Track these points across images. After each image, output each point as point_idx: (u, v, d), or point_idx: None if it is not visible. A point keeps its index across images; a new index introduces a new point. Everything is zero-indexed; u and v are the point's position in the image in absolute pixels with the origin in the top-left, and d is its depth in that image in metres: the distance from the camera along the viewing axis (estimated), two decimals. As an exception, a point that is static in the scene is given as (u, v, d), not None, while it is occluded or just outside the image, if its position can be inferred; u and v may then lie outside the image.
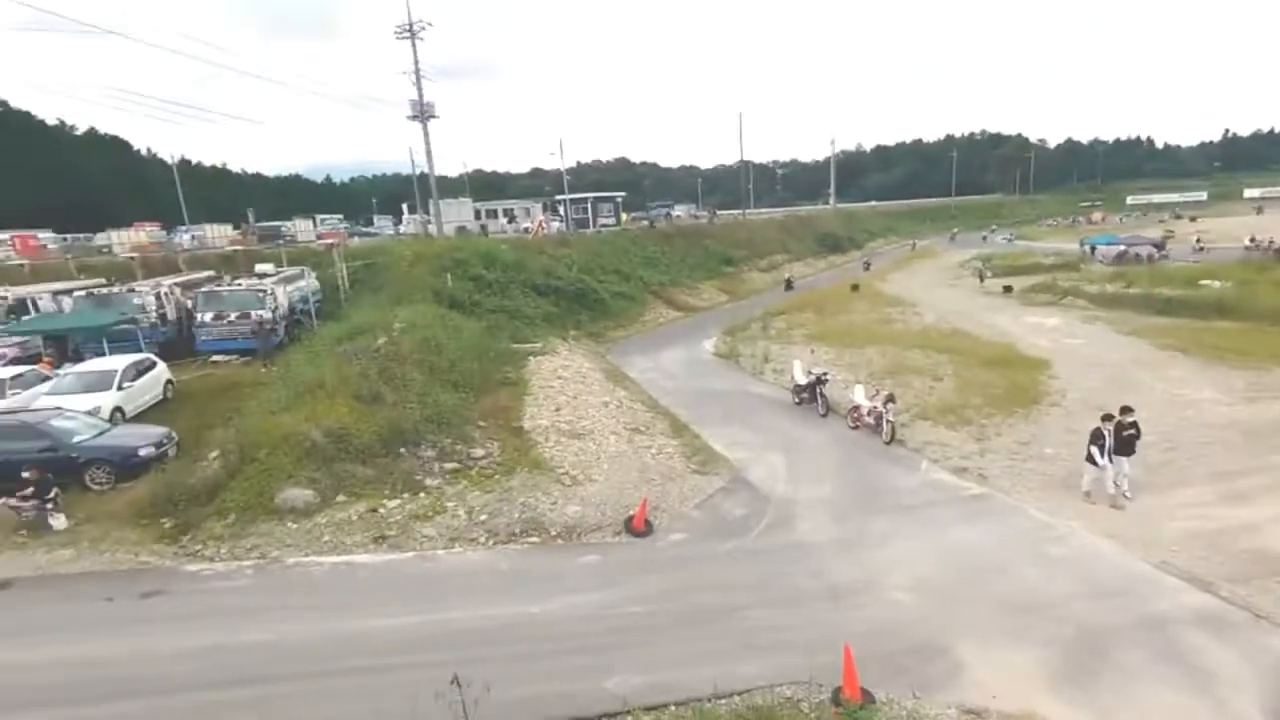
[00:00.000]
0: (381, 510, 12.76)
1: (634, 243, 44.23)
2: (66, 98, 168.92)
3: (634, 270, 39.62)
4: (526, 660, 8.46)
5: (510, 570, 11.12)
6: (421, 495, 13.44)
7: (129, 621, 9.62)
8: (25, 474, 12.16)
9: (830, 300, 37.26)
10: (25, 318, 22.47)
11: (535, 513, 12.74)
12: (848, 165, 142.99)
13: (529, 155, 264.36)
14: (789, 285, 45.89)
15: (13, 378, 17.33)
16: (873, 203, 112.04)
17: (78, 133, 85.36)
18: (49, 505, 12.18)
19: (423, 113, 39.36)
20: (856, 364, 23.04)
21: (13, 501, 12.06)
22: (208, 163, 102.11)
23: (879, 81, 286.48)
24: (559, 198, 57.76)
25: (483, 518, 12.66)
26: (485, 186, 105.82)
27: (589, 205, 50.81)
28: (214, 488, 12.86)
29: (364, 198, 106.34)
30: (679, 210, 74.78)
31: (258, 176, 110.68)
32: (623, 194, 59.01)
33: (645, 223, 55.98)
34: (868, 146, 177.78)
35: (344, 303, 28.19)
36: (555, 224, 49.91)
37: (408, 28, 37.86)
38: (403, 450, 14.62)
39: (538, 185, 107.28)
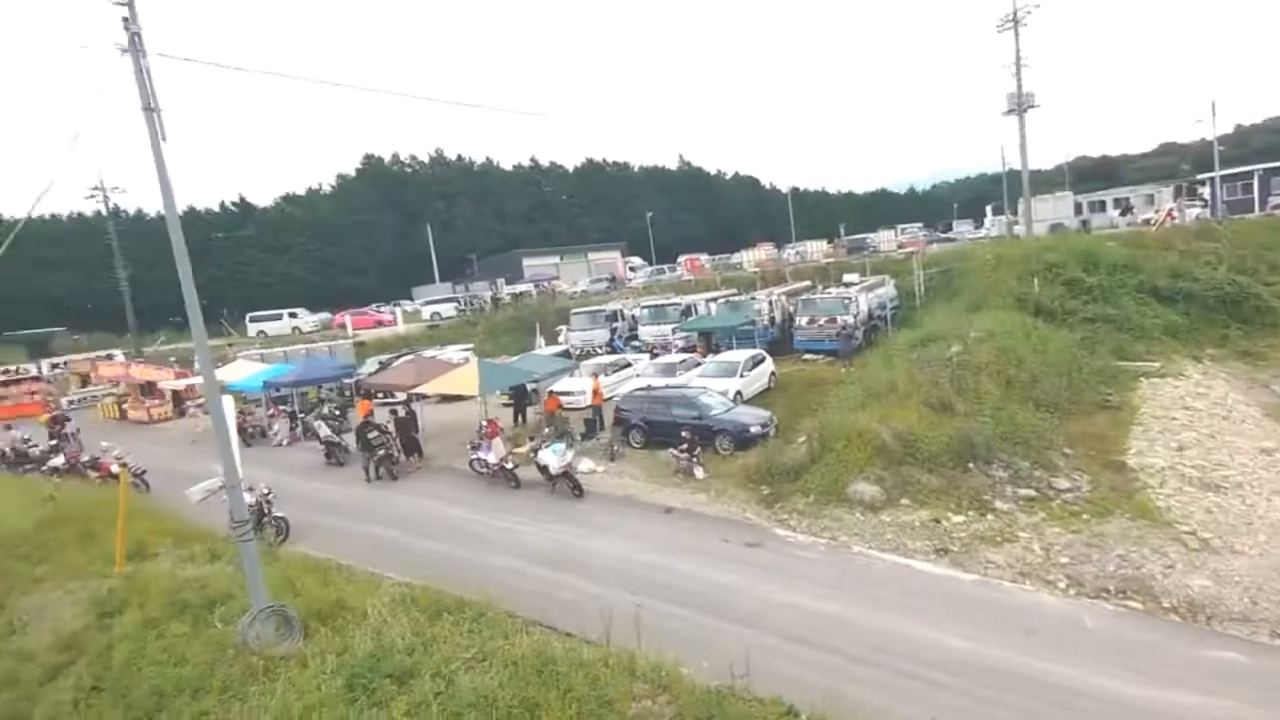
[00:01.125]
0: (945, 523, 12.59)
1: (1339, 225, 30.70)
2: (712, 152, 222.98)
3: (1334, 266, 27.54)
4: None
5: (1097, 631, 9.41)
6: (989, 516, 12.68)
7: (737, 562, 12.16)
8: (684, 433, 16.72)
9: None
10: (690, 319, 30.71)
11: (1139, 571, 10.46)
12: None
13: (1155, 129, 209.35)
14: None
15: (680, 361, 24.01)
16: None
17: (727, 178, 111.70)
18: (695, 459, 16.44)
19: (1020, 104, 36.27)
20: None
21: (676, 452, 16.75)
22: (812, 188, 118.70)
23: None
24: (1201, 176, 44.78)
25: (1063, 559, 11.11)
26: (1089, 175, 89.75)
27: (1254, 181, 37.63)
28: (800, 469, 15.04)
29: (945, 204, 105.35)
30: None
31: (849, 195, 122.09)
32: (1322, 157, 41.49)
33: (1366, 194, 38.02)
34: None
35: (919, 309, 28.62)
36: (1195, 210, 38.75)
37: (1010, 18, 35.39)
38: (971, 465, 14.08)
39: (1168, 164, 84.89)
